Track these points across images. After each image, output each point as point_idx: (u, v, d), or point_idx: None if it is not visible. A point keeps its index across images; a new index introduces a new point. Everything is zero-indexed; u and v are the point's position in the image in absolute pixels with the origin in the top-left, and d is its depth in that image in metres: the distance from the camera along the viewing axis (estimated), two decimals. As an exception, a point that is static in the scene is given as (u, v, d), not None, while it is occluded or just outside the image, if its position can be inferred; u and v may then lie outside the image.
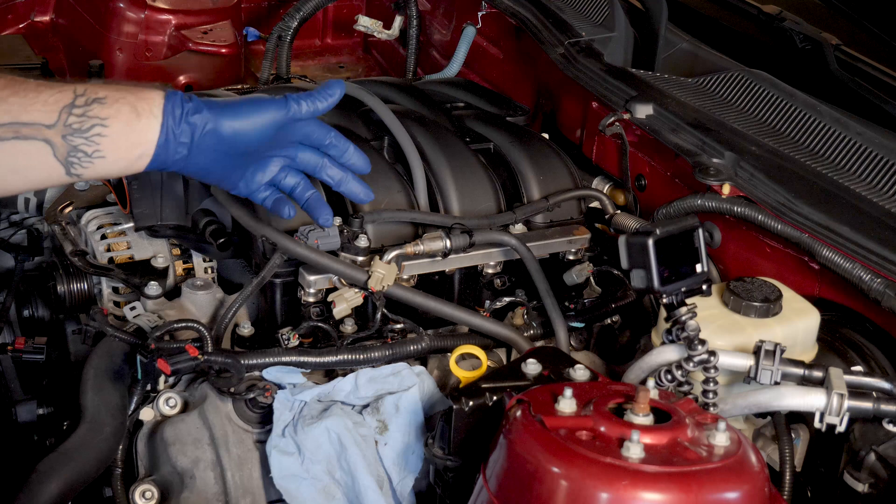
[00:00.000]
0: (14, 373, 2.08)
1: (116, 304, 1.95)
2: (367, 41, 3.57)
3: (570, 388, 1.35)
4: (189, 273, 2.02)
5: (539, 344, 1.86)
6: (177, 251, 2.03)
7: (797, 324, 1.65)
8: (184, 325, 1.71)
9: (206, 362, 1.68)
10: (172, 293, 1.94)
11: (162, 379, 1.73)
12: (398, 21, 2.95)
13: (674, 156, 2.01)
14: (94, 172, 1.48)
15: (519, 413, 1.33)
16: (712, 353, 1.56)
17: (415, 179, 2.00)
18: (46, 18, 3.35)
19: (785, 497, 1.58)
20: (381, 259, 1.82)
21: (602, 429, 1.29)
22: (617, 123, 2.11)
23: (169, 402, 1.76)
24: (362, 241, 1.84)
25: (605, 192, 2.19)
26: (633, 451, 1.24)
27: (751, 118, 2.14)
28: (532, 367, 1.57)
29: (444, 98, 2.35)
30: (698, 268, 1.59)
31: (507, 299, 1.94)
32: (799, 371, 1.56)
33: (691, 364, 1.56)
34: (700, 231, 1.59)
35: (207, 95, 1.84)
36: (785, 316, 1.65)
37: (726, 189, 1.87)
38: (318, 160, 1.68)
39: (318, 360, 1.75)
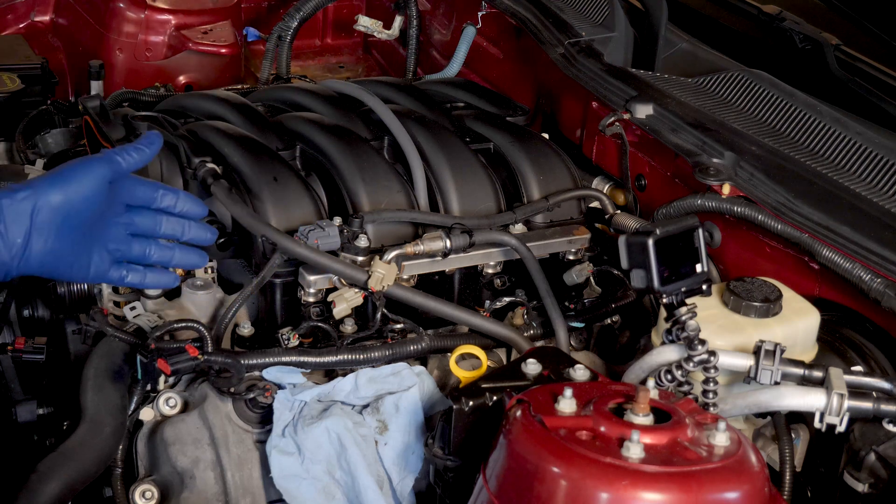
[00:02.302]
0: (14, 373, 2.08)
1: (116, 304, 1.95)
2: (367, 41, 3.57)
3: (570, 388, 1.35)
4: (189, 273, 2.02)
5: (539, 344, 1.86)
6: (177, 251, 2.03)
7: (797, 324, 1.65)
8: (184, 325, 1.71)
9: (206, 362, 1.68)
10: (172, 293, 1.94)
11: (162, 379, 1.73)
12: (398, 21, 2.95)
13: (674, 156, 2.01)
14: None
15: (519, 413, 1.33)
16: (712, 353, 1.56)
17: (415, 179, 2.00)
18: (46, 18, 3.35)
19: (785, 497, 1.58)
20: (381, 259, 1.82)
21: (602, 429, 1.29)
22: (617, 123, 2.11)
23: (169, 402, 1.76)
24: (362, 241, 1.84)
25: (605, 192, 2.19)
26: (633, 451, 1.24)
27: (751, 118, 2.14)
28: (532, 367, 1.57)
29: (444, 98, 2.35)
30: (698, 268, 1.59)
31: (507, 299, 1.94)
32: (799, 371, 1.56)
33: (691, 364, 1.56)
34: (700, 231, 1.59)
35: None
36: (785, 316, 1.65)
37: (726, 189, 1.87)
38: (153, 219, 1.60)
39: (318, 360, 1.75)
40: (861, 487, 1.51)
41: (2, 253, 1.44)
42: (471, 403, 1.51)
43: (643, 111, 2.08)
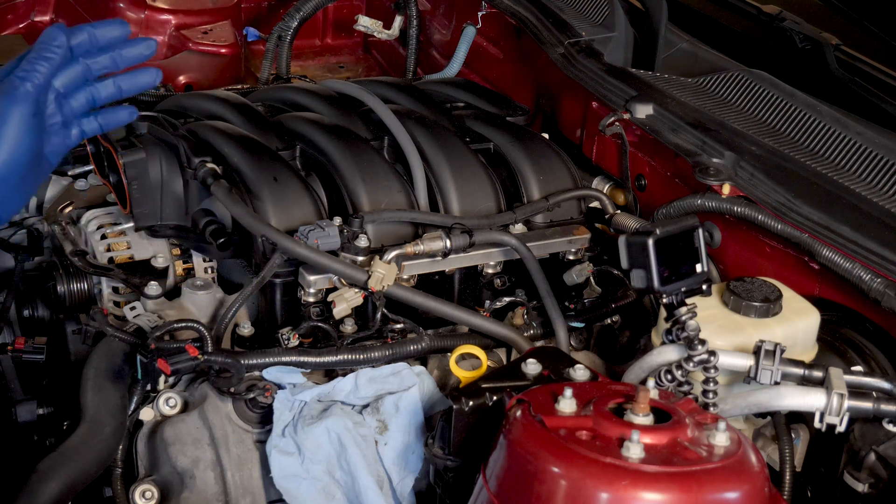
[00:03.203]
0: (14, 373, 2.08)
1: (116, 304, 1.95)
2: (367, 41, 3.56)
3: (570, 388, 1.35)
4: (189, 273, 2.02)
5: (539, 344, 1.86)
6: (177, 251, 2.03)
7: (797, 324, 1.65)
8: (184, 325, 1.71)
9: (206, 362, 1.68)
10: (172, 293, 1.94)
11: (162, 379, 1.73)
12: (398, 21, 2.95)
13: (674, 156, 2.01)
14: None
15: (519, 413, 1.33)
16: (712, 353, 1.56)
17: (415, 179, 2.00)
18: (46, 18, 3.35)
19: (785, 497, 1.58)
20: (381, 259, 1.82)
21: (602, 429, 1.29)
22: (617, 123, 2.11)
23: (169, 402, 1.76)
24: (362, 241, 1.84)
25: (605, 192, 2.19)
26: (633, 451, 1.24)
27: (751, 118, 2.14)
28: (532, 367, 1.57)
29: (444, 98, 2.35)
30: (698, 268, 1.59)
31: (507, 299, 1.94)
32: (799, 371, 1.56)
33: (691, 364, 1.56)
34: (700, 231, 1.59)
35: None
36: (785, 316, 1.65)
37: (726, 189, 1.87)
38: (79, 68, 1.45)
39: (318, 360, 1.75)
40: (861, 487, 1.51)
41: None
42: (471, 403, 1.51)
43: (643, 111, 2.08)
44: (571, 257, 2.05)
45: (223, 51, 3.15)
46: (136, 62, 1.52)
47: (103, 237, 2.04)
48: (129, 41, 1.50)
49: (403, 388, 1.71)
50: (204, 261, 2.02)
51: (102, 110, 1.52)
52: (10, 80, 1.39)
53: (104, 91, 1.50)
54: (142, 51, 1.51)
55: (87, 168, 2.25)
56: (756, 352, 1.56)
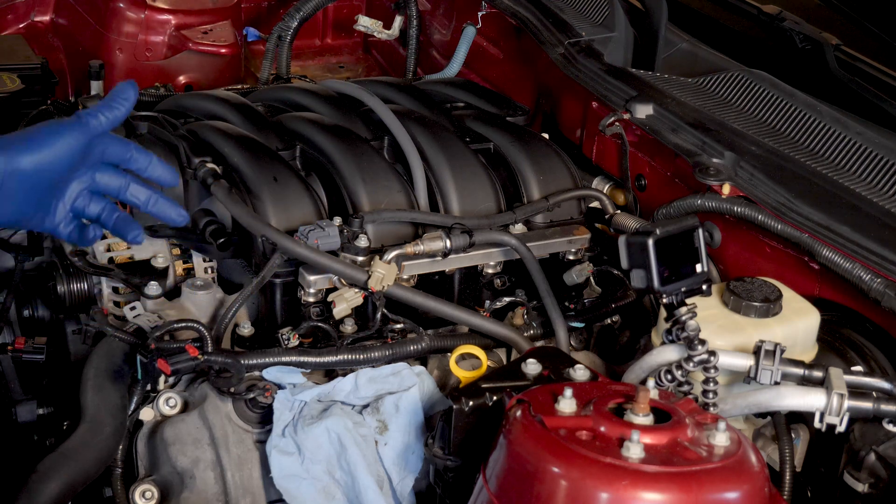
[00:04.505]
0: (14, 373, 2.08)
1: (116, 304, 1.95)
2: (367, 41, 3.56)
3: (570, 388, 1.35)
4: (189, 273, 2.02)
5: (539, 344, 1.86)
6: (177, 251, 2.03)
7: (797, 324, 1.65)
8: (184, 325, 1.71)
9: (206, 362, 1.68)
10: (172, 293, 1.94)
11: (162, 379, 1.73)
12: (398, 21, 2.95)
13: (674, 156, 2.01)
14: None
15: (519, 413, 1.33)
16: (712, 353, 1.56)
17: (415, 179, 2.00)
18: (46, 18, 3.35)
19: (785, 497, 1.58)
20: (381, 259, 1.82)
21: (602, 429, 1.29)
22: (617, 123, 2.11)
23: (169, 402, 1.76)
24: (362, 241, 1.84)
25: (605, 192, 2.19)
26: (633, 451, 1.24)
27: (751, 118, 2.14)
28: (532, 367, 1.57)
29: (444, 98, 2.35)
30: (698, 268, 1.59)
31: (507, 299, 1.94)
32: (799, 371, 1.56)
33: (691, 364, 1.56)
34: (700, 231, 1.59)
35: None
36: (785, 316, 1.65)
37: (726, 189, 1.87)
38: (119, 181, 1.55)
39: (318, 360, 1.75)
40: (861, 487, 1.51)
41: None
42: (471, 403, 1.51)
43: (643, 111, 2.08)
44: (571, 257, 2.05)
45: (223, 51, 3.15)
46: (160, 217, 1.60)
47: (103, 237, 2.04)
48: (169, 200, 1.59)
49: (403, 388, 1.71)
50: (204, 261, 2.02)
51: (95, 225, 1.59)
52: (78, 115, 1.49)
53: (112, 216, 1.56)
54: (172, 213, 1.59)
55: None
56: (756, 352, 1.56)
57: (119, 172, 1.55)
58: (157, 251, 2.01)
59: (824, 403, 1.51)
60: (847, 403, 1.50)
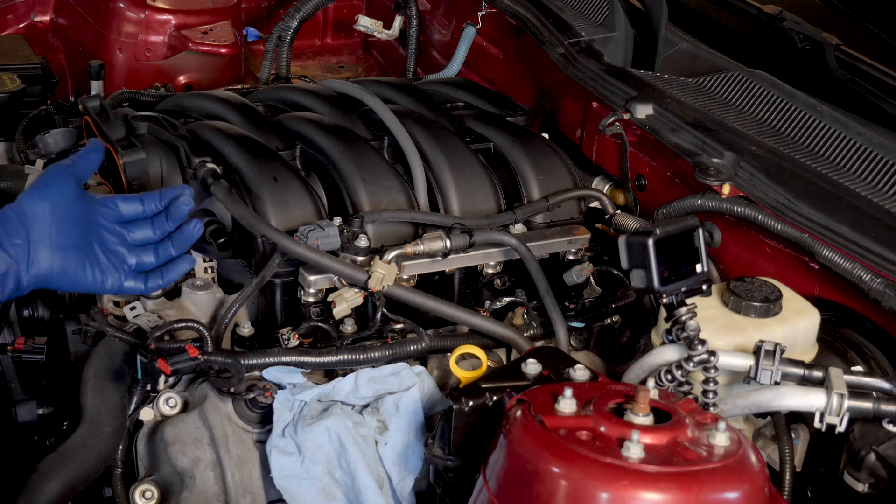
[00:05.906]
0: (14, 373, 2.08)
1: (116, 304, 1.95)
2: (367, 41, 3.57)
3: (570, 388, 1.35)
4: (189, 273, 2.02)
5: (539, 344, 1.86)
6: (177, 251, 2.03)
7: (797, 324, 1.65)
8: (184, 325, 1.71)
9: (206, 362, 1.68)
10: (172, 293, 1.94)
11: (162, 379, 1.73)
12: (398, 21, 2.95)
13: (674, 156, 2.01)
14: None
15: (519, 413, 1.33)
16: (712, 353, 1.56)
17: (415, 179, 2.00)
18: (46, 18, 3.35)
19: (785, 497, 1.58)
20: (381, 259, 1.82)
21: (602, 429, 1.29)
22: (617, 123, 2.11)
23: (169, 402, 1.76)
24: (362, 241, 1.84)
25: (605, 192, 2.19)
26: (633, 451, 1.24)
27: (751, 118, 2.14)
28: (532, 367, 1.57)
29: (444, 98, 2.35)
30: (698, 268, 1.58)
31: (507, 299, 1.94)
32: (799, 371, 1.56)
33: (691, 364, 1.56)
34: (700, 231, 1.59)
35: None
36: (785, 316, 1.65)
37: (726, 189, 1.87)
38: (147, 228, 1.73)
39: (318, 360, 1.75)
40: (861, 487, 1.51)
41: (6, 259, 1.53)
42: (471, 403, 1.51)
43: (643, 111, 2.08)
44: (571, 257, 2.05)
45: (223, 51, 3.15)
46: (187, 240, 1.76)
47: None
48: (188, 224, 1.75)
49: (403, 388, 1.71)
50: (204, 261, 2.02)
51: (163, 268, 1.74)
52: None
53: (163, 253, 1.73)
54: (192, 232, 1.75)
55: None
56: (756, 352, 1.56)
57: (145, 221, 1.73)
58: (157, 251, 2.01)
59: (824, 403, 1.51)
60: (847, 403, 1.50)
